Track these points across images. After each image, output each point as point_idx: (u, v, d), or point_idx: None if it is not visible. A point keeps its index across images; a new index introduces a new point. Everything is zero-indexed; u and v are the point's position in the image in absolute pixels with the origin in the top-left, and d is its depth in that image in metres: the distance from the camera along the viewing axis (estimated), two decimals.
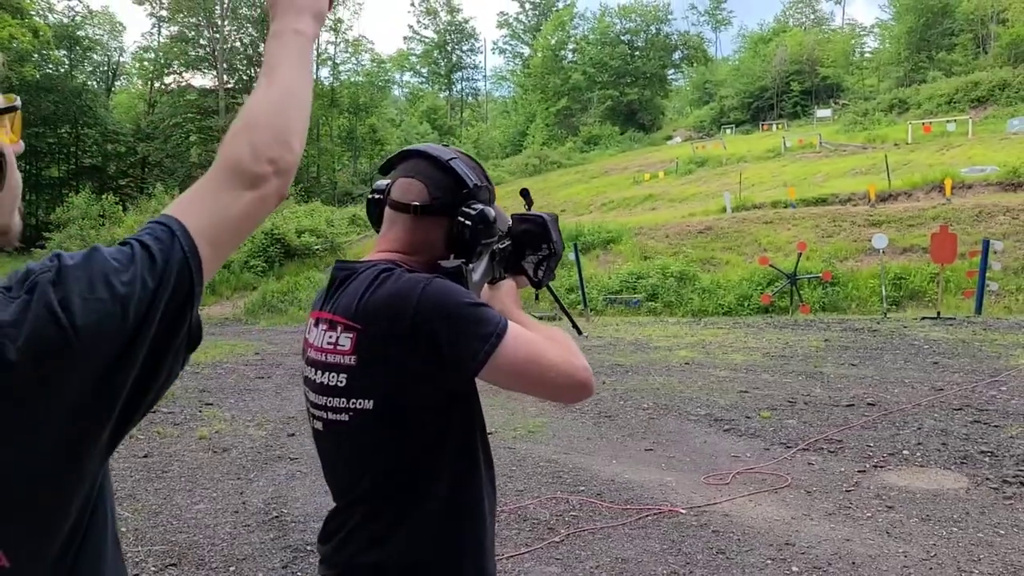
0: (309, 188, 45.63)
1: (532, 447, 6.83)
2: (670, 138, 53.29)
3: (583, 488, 5.63)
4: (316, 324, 1.47)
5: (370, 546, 1.42)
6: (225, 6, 50.25)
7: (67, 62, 52.22)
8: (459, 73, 68.25)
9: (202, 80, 52.54)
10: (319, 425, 1.47)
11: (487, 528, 1.50)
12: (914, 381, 9.28)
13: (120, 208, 33.99)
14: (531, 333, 1.41)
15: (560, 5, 67.58)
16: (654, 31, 62.85)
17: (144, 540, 4.74)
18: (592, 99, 56.65)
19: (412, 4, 67.07)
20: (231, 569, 4.28)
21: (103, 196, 34.62)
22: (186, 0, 49.60)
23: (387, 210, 1.52)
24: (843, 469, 6.00)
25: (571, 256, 18.79)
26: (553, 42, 60.28)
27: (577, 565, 4.29)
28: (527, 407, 8.63)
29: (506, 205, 1.70)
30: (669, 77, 65.93)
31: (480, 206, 1.46)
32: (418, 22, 66.70)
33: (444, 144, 1.56)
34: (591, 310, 18.70)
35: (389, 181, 1.55)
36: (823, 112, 48.99)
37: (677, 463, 6.32)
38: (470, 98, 70.87)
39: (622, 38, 60.51)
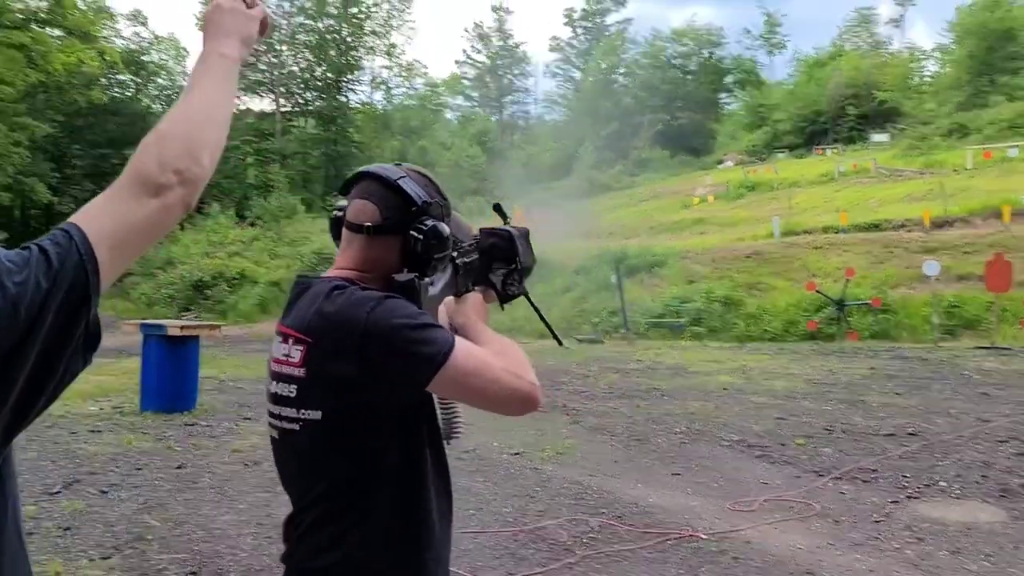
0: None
1: (558, 468, 6.80)
2: (721, 162, 52.83)
3: (605, 510, 5.59)
4: (277, 336, 1.52)
5: (318, 552, 1.46)
6: (283, 32, 51.49)
7: (133, 86, 53.98)
8: (510, 96, 68.90)
9: (260, 103, 53.79)
10: (275, 433, 1.52)
11: (436, 537, 1.51)
12: (960, 412, 9.02)
13: (178, 227, 34.87)
14: (478, 349, 1.44)
15: (612, 30, 67.86)
16: (707, 55, 62.64)
17: (168, 548, 4.83)
18: (643, 123, 56.55)
19: (465, 30, 67.95)
20: None
21: None
22: None
23: (344, 230, 1.55)
24: (875, 499, 5.85)
25: (613, 280, 18.72)
26: (604, 66, 60.48)
27: None
28: (559, 428, 8.61)
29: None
30: (721, 101, 65.56)
31: (432, 222, 1.48)
32: (471, 47, 67.44)
33: (396, 163, 1.58)
34: (633, 333, 18.57)
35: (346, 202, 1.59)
36: (880, 137, 48.11)
37: (704, 488, 6.23)
38: (521, 121, 71.42)
39: (674, 62, 60.44)
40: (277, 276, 27.37)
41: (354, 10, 53.01)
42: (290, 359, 1.45)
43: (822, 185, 34.76)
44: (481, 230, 1.70)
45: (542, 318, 1.97)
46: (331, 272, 1.54)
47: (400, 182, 1.51)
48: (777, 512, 5.59)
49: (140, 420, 8.80)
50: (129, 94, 52.65)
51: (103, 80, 47.70)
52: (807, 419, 8.86)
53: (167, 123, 1.11)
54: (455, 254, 1.61)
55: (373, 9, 54.25)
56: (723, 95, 65.84)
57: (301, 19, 52.46)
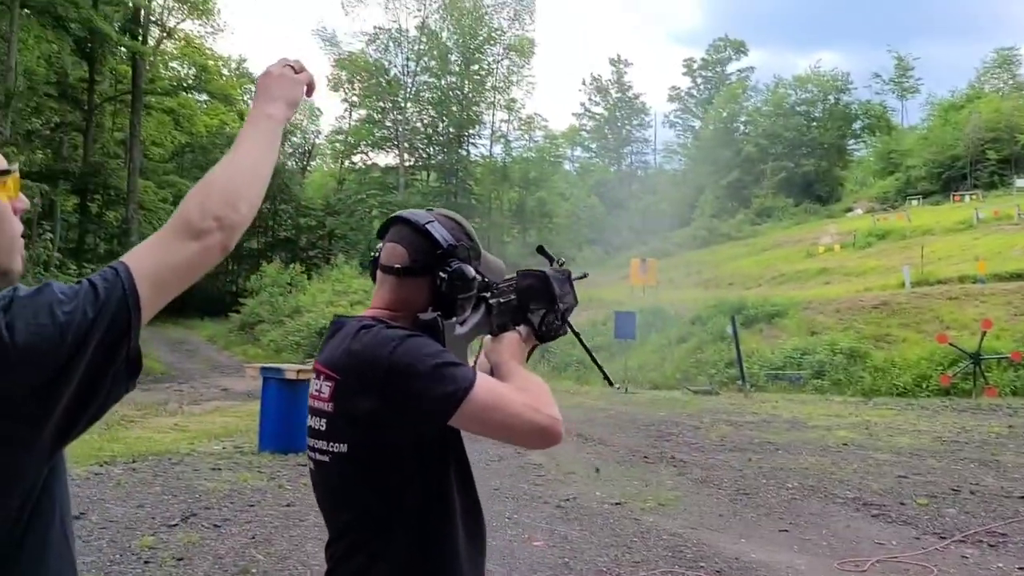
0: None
1: (659, 520, 6.65)
2: (850, 210, 50.97)
3: (703, 564, 5.43)
4: (312, 374, 1.62)
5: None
6: (409, 90, 53.70)
7: None
8: (629, 147, 69.08)
9: (385, 159, 56.08)
10: (311, 465, 1.61)
11: (464, 571, 1.55)
12: None
13: (305, 277, 36.50)
14: (499, 385, 1.49)
15: (733, 78, 67.21)
16: (832, 101, 60.98)
17: None
18: (765, 171, 55.42)
19: (583, 82, 68.78)
20: None
21: (291, 266, 37.31)
22: (375, 86, 53.48)
23: (378, 272, 1.64)
24: (1001, 565, 5.44)
25: (729, 330, 18.28)
26: (725, 114, 59.87)
27: None
28: (663, 479, 8.43)
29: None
30: (849, 147, 63.49)
31: (457, 264, 1.55)
32: (589, 99, 68.20)
33: (428, 208, 1.66)
34: (751, 386, 18.01)
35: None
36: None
37: (812, 546, 5.95)
38: (639, 171, 71.36)
39: (797, 109, 59.14)
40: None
41: (475, 67, 54.79)
42: (321, 394, 1.54)
43: (959, 233, 32.96)
44: (518, 272, 1.75)
45: (592, 358, 1.99)
46: (365, 312, 1.63)
47: (428, 226, 1.58)
48: (890, 574, 5.27)
49: (257, 459, 9.18)
50: None
51: None
52: (932, 478, 8.34)
53: (212, 174, 1.22)
54: (488, 295, 1.67)
55: (494, 66, 55.92)
56: (851, 141, 63.78)
57: (425, 77, 54.60)
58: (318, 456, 1.56)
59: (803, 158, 56.22)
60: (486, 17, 54.48)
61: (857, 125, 62.95)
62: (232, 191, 1.20)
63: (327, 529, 1.63)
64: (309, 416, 1.59)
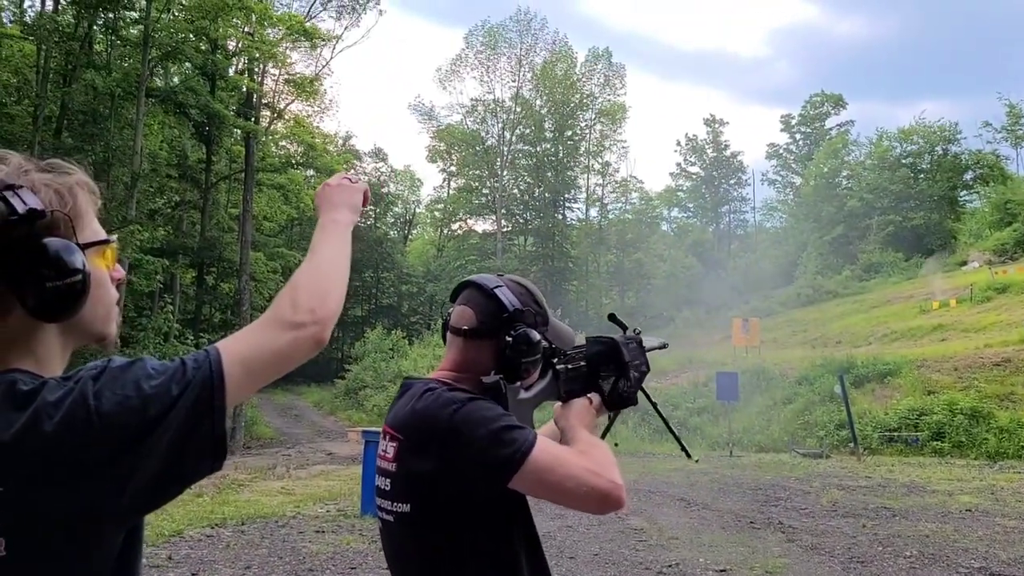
0: (576, 322, 47.18)
1: None
2: (965, 263, 48.67)
3: None
4: (382, 434, 1.68)
5: None
6: (505, 158, 54.88)
7: (372, 215, 59.48)
8: (726, 206, 68.26)
9: (483, 225, 57.21)
10: (381, 524, 1.65)
11: None
12: None
13: (407, 342, 37.21)
14: (559, 448, 1.51)
15: (833, 133, 65.90)
16: (940, 152, 58.84)
17: None
18: (871, 225, 53.66)
19: (678, 143, 68.70)
20: None
21: (393, 332, 38.15)
22: (472, 156, 54.92)
23: (448, 333, 1.70)
24: None
25: (838, 390, 17.59)
26: (826, 169, 58.53)
27: None
28: (770, 546, 8.12)
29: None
30: (961, 199, 60.93)
31: (523, 328, 1.60)
32: (685, 159, 68.04)
33: (499, 274, 1.72)
34: (864, 448, 17.20)
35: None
36: None
37: None
38: (738, 230, 70.26)
39: (903, 161, 57.30)
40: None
41: (569, 133, 55.63)
42: (386, 454, 1.59)
43: None
44: (588, 338, 1.77)
45: (668, 427, 1.95)
46: (433, 374, 1.68)
47: (496, 290, 1.64)
48: None
49: (359, 522, 9.33)
50: (369, 223, 57.99)
51: None
52: None
53: (298, 276, 1.29)
54: (556, 361, 1.69)
55: (586, 131, 56.66)
56: (962, 192, 61.22)
57: (520, 145, 55.74)
58: (384, 516, 1.60)
59: (911, 211, 54.19)
60: (578, 84, 55.45)
61: (968, 176, 60.42)
62: (320, 288, 1.27)
63: None
64: (377, 476, 1.64)
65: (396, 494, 1.56)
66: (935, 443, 17.10)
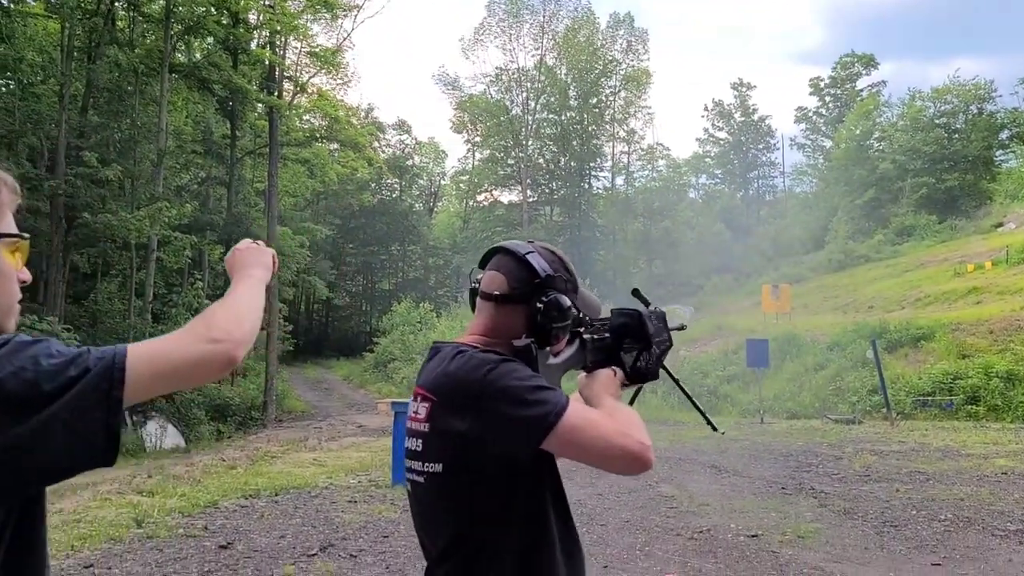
0: (603, 292, 46.98)
1: (799, 552, 6.36)
2: (1000, 224, 47.70)
3: None
4: (412, 397, 1.66)
5: None
6: (529, 128, 54.52)
7: (398, 188, 59.53)
8: (755, 172, 67.31)
9: (509, 196, 57.04)
10: (409, 486, 1.63)
11: None
12: None
13: (435, 315, 37.34)
14: (589, 410, 1.51)
15: (864, 94, 64.61)
16: (975, 111, 57.50)
17: None
18: (904, 188, 52.67)
19: (705, 108, 67.75)
20: None
21: (421, 304, 38.28)
22: (496, 126, 54.61)
23: (477, 299, 1.68)
24: None
25: (870, 355, 17.38)
26: (858, 132, 57.43)
27: None
28: (802, 511, 8.06)
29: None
30: (996, 159, 59.61)
31: (553, 294, 1.58)
32: (712, 125, 67.11)
33: (529, 240, 1.70)
34: (896, 413, 17.01)
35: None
36: None
37: None
38: (767, 196, 69.31)
39: (936, 121, 56.07)
40: None
41: (593, 101, 55.05)
42: (417, 415, 1.57)
43: None
44: (612, 310, 1.75)
45: (693, 402, 1.91)
46: (462, 338, 1.66)
47: (528, 256, 1.62)
48: None
49: (390, 492, 9.41)
50: (395, 195, 58.09)
51: (372, 184, 52.99)
52: None
53: (214, 306, 1.37)
54: (583, 330, 1.68)
55: (611, 98, 56.02)
56: (998, 152, 59.85)
57: (545, 114, 55.30)
58: (415, 477, 1.58)
59: (945, 172, 53.10)
60: (601, 50, 54.76)
61: (1004, 135, 59.02)
62: (235, 315, 1.35)
63: (424, 555, 1.63)
64: (407, 438, 1.62)
65: (428, 454, 1.54)
66: (970, 407, 16.88)
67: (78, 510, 8.51)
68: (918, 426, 15.67)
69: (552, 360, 1.62)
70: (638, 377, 1.73)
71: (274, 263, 1.62)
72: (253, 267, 1.56)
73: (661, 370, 1.78)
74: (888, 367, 18.41)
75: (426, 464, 1.54)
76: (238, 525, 7.59)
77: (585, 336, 1.68)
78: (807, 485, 9.52)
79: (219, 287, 33.44)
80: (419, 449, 1.56)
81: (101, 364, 1.17)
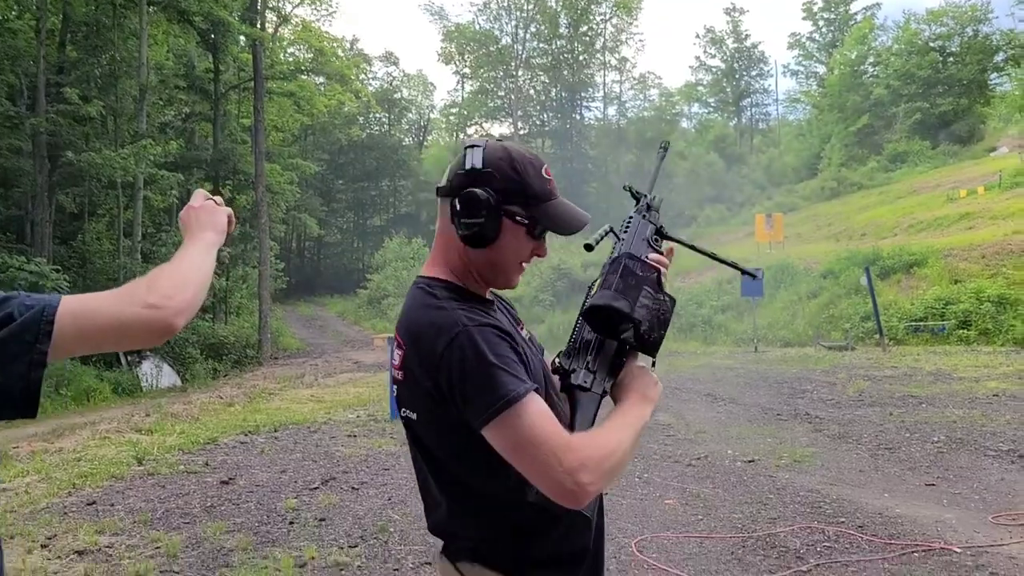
0: (598, 224, 46.78)
1: (795, 476, 6.44)
2: (994, 149, 47.45)
3: (844, 519, 5.21)
4: None
5: (435, 523, 1.55)
6: (520, 58, 53.57)
7: (387, 122, 58.70)
8: (748, 99, 66.50)
9: (499, 128, 56.37)
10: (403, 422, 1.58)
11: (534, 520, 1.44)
12: None
13: (427, 250, 37.20)
14: (547, 412, 1.34)
15: (859, 18, 63.48)
16: (970, 33, 56.63)
17: (407, 541, 5.15)
18: (897, 114, 52.24)
19: (697, 36, 66.56)
20: None
21: (413, 240, 38.12)
22: (485, 56, 53.61)
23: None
24: None
25: (863, 282, 17.42)
26: (852, 57, 56.64)
27: None
28: (798, 436, 8.16)
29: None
30: (991, 82, 58.97)
31: (471, 189, 1.45)
32: (704, 52, 66.04)
33: (500, 138, 1.57)
34: (889, 339, 17.15)
35: None
36: None
37: (962, 500, 5.62)
38: (761, 124, 68.66)
39: (931, 45, 55.26)
40: (518, 293, 28.30)
41: (584, 28, 54.00)
42: (394, 361, 1.51)
43: None
44: (579, 316, 1.57)
45: (718, 258, 1.83)
46: (427, 266, 1.56)
47: (468, 149, 1.51)
48: None
49: (389, 426, 9.47)
50: (384, 130, 57.32)
51: (360, 119, 52.22)
52: None
53: (159, 269, 1.29)
54: (576, 385, 1.49)
55: (602, 25, 54.96)
56: (993, 76, 59.16)
57: (535, 43, 54.29)
58: (402, 415, 1.54)
59: (939, 97, 52.56)
60: None
61: (999, 57, 58.27)
62: (180, 280, 1.28)
63: (420, 492, 1.59)
64: (391, 379, 1.58)
65: (403, 400, 1.49)
66: (961, 331, 17.01)
67: (77, 449, 8.56)
68: (910, 351, 15.81)
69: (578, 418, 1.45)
70: (653, 348, 1.53)
71: (230, 223, 1.54)
72: (206, 229, 1.48)
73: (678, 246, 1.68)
74: (881, 294, 18.49)
75: (404, 410, 1.50)
76: (239, 461, 7.64)
77: (596, 390, 1.48)
78: (802, 411, 9.62)
79: None
80: (397, 394, 1.52)
81: (29, 314, 1.12)
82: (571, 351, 1.52)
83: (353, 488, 6.51)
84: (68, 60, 23.38)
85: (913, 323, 17.87)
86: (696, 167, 51.11)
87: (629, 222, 1.68)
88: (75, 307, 1.15)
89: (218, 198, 1.56)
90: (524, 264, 1.55)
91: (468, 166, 1.47)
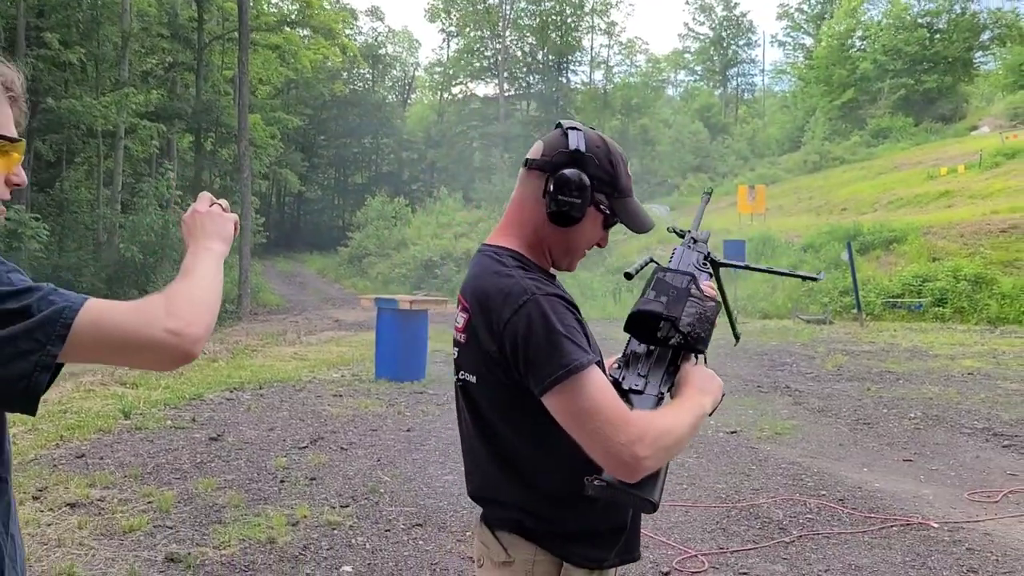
0: None
1: (777, 448, 6.58)
2: (975, 128, 47.78)
3: (825, 492, 5.35)
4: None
5: (476, 488, 1.61)
6: (508, 17, 52.96)
7: (370, 78, 57.96)
8: (735, 69, 66.32)
9: (485, 89, 55.92)
10: (455, 387, 1.63)
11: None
12: None
13: (410, 210, 37.04)
14: (610, 388, 1.38)
15: None
16: (959, 11, 56.67)
17: (397, 501, 5.23)
18: (882, 89, 52.35)
19: (686, 2, 66.08)
20: (467, 534, 4.60)
21: (395, 199, 37.89)
22: (472, 14, 52.94)
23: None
24: None
25: (844, 256, 17.62)
26: (841, 30, 56.53)
27: (805, 567, 4.11)
28: (779, 408, 8.31)
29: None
30: (976, 60, 59.16)
31: (576, 170, 1.50)
32: (693, 19, 65.69)
33: (592, 126, 1.59)
34: (867, 315, 17.40)
35: None
36: None
37: (939, 476, 5.78)
38: (746, 94, 68.59)
39: (920, 21, 55.27)
40: None
41: None
42: (458, 324, 1.55)
43: None
44: (624, 330, 1.56)
45: (728, 309, 1.84)
46: (496, 236, 1.59)
47: (569, 129, 1.55)
48: None
49: (375, 387, 9.52)
50: (367, 86, 56.60)
51: (344, 74, 51.50)
52: None
53: (176, 288, 1.21)
54: (625, 388, 1.49)
55: None
56: (978, 54, 59.33)
57: (523, 3, 53.64)
58: (457, 379, 1.58)
59: (924, 74, 52.70)
60: None
61: (986, 36, 58.43)
62: (198, 303, 1.20)
63: (463, 456, 1.64)
64: (453, 343, 1.61)
65: (464, 364, 1.54)
66: (937, 309, 17.28)
67: (63, 400, 8.54)
68: (887, 327, 16.07)
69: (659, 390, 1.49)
70: (696, 343, 1.52)
71: (236, 230, 1.47)
72: (213, 238, 1.39)
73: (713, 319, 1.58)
74: (860, 269, 18.71)
75: (462, 373, 1.54)
76: (226, 418, 7.67)
77: (652, 393, 1.48)
78: (782, 383, 9.79)
79: (187, 178, 32.78)
80: (456, 356, 1.56)
81: (48, 312, 1.07)
82: (622, 364, 1.54)
83: (342, 448, 6.57)
84: (48, 4, 22.84)
85: (891, 299, 18.12)
86: (680, 136, 51.05)
87: (673, 254, 1.73)
88: (95, 316, 1.09)
89: (224, 202, 1.48)
90: (587, 252, 1.61)
91: (573, 147, 1.50)
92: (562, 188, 1.48)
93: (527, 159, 1.56)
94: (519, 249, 1.54)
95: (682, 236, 1.79)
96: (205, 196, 1.47)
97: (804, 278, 1.86)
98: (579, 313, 1.47)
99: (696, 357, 1.58)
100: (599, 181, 1.52)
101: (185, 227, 1.42)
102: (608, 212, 1.55)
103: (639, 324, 1.52)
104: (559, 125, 1.59)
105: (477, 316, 1.47)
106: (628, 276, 1.72)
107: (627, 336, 1.57)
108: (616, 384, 1.48)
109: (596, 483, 1.37)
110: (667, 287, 1.54)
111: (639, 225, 1.59)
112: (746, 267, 1.80)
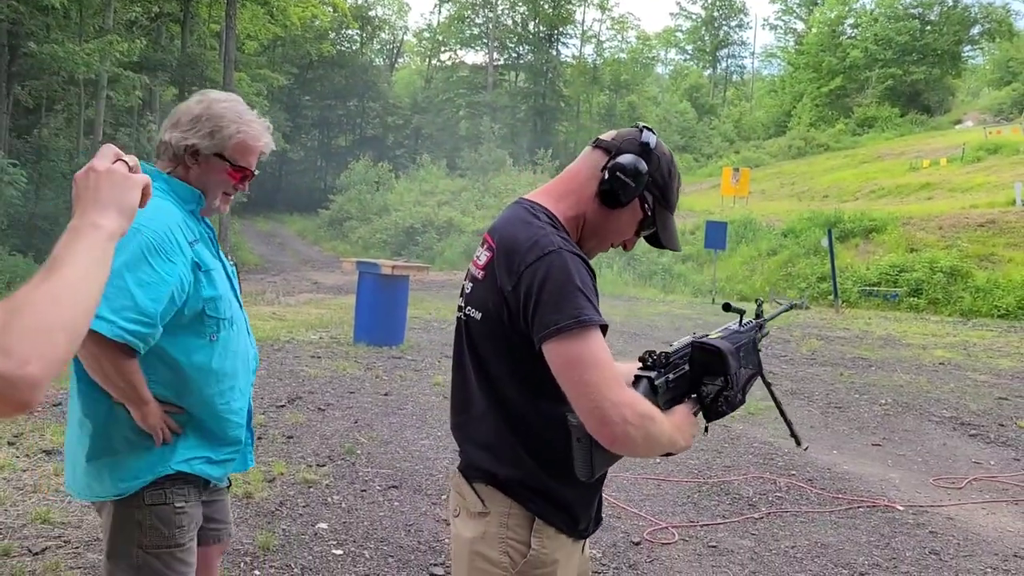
0: (563, 165, 46.65)
1: (749, 428, 6.68)
2: (959, 122, 48.14)
3: (794, 472, 5.46)
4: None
5: (459, 424, 1.67)
6: None
7: (359, 40, 57.22)
8: (725, 50, 66.21)
9: (474, 57, 55.45)
10: (457, 318, 1.67)
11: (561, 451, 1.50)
12: None
13: (393, 175, 36.78)
14: (607, 359, 1.40)
15: None
16: (950, 3, 56.83)
17: (374, 463, 5.27)
18: (870, 78, 52.54)
19: None
20: (443, 498, 4.65)
21: (379, 164, 37.60)
22: None
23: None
24: None
25: (824, 243, 17.78)
26: (832, 16, 56.55)
27: (773, 543, 4.20)
28: (752, 390, 8.39)
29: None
30: (964, 54, 59.43)
31: (633, 158, 1.57)
32: None
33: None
34: (842, 302, 17.60)
35: None
36: None
37: (906, 461, 5.91)
38: (735, 76, 68.58)
39: (912, 11, 55.38)
40: (482, 226, 28.18)
41: None
42: (478, 261, 1.59)
43: None
44: (693, 343, 1.62)
45: (782, 412, 1.89)
46: (539, 192, 1.65)
47: (644, 129, 1.62)
48: (987, 492, 5.21)
49: (353, 350, 9.53)
50: (355, 48, 55.90)
51: (332, 34, 50.79)
52: None
53: (23, 301, 0.90)
54: (654, 375, 1.53)
55: None
56: (967, 48, 59.61)
57: None
58: (459, 314, 1.63)
59: (913, 65, 52.92)
60: None
61: (975, 30, 58.68)
62: (48, 322, 0.89)
63: (452, 392, 1.68)
64: (465, 277, 1.65)
65: (473, 299, 1.58)
66: (912, 299, 17.52)
67: None
68: (862, 314, 16.28)
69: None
70: (716, 415, 1.61)
71: (144, 199, 1.10)
72: (107, 209, 1.03)
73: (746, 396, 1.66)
74: (838, 256, 18.90)
75: (468, 308, 1.58)
76: None
77: (657, 382, 1.52)
78: None
79: None
80: (469, 292, 1.60)
81: None
82: (660, 361, 1.55)
83: (319, 409, 6.59)
84: None
85: (867, 287, 18.33)
86: (667, 115, 51.02)
87: (751, 324, 1.77)
88: None
89: (132, 159, 1.11)
90: (613, 245, 1.67)
91: (644, 140, 1.58)
92: (622, 168, 1.54)
93: (597, 138, 1.63)
94: (556, 213, 1.57)
95: (758, 317, 1.82)
96: (108, 149, 1.10)
97: (793, 435, 1.87)
98: (596, 282, 1.51)
99: (695, 405, 1.61)
100: (653, 181, 1.59)
101: (75, 189, 1.06)
102: (649, 214, 1.61)
103: (712, 356, 1.59)
104: (636, 125, 1.64)
105: (501, 255, 1.51)
106: (727, 307, 1.79)
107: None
108: (645, 367, 1.54)
109: (574, 422, 1.41)
110: (750, 361, 1.67)
111: (670, 241, 1.67)
112: (767, 384, 1.84)
